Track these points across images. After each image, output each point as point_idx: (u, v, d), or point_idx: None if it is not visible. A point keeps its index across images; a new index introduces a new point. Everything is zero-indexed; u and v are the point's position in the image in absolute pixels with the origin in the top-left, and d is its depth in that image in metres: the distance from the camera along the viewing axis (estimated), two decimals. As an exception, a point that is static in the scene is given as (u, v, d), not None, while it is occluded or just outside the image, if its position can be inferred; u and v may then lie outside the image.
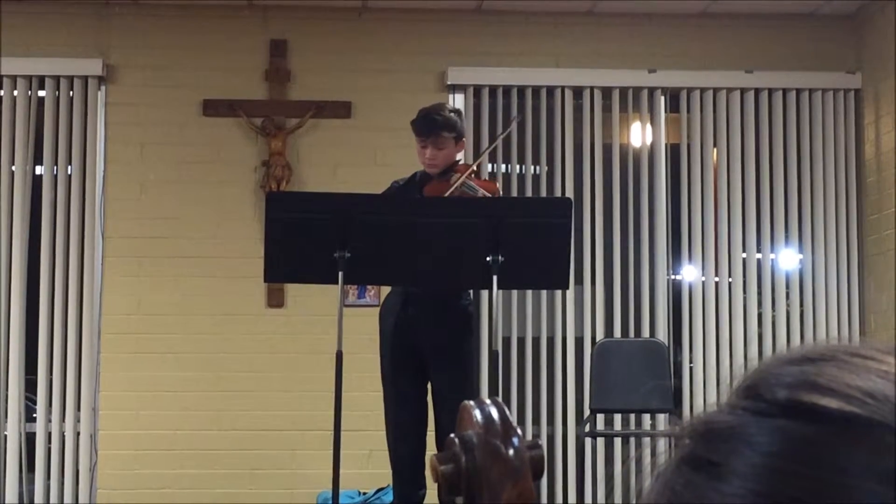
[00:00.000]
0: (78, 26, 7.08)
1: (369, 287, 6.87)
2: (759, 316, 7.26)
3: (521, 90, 7.26)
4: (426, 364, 5.12)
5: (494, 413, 0.92)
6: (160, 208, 7.00)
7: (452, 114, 5.22)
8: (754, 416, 0.62)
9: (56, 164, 7.04)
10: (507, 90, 7.25)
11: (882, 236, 7.01)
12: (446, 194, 4.95)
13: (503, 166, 7.27)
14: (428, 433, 5.15)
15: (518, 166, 7.27)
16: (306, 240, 4.68)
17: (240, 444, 6.85)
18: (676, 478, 0.63)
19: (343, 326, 4.70)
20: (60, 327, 6.92)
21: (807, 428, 0.59)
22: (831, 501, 0.57)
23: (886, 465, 0.57)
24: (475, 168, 5.35)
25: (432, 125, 5.09)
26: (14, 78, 7.02)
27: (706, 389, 7.10)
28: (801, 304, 7.28)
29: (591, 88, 7.28)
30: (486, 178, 6.20)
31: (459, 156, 5.26)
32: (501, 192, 5.14)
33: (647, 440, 6.50)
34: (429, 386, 5.17)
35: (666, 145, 7.36)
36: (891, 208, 6.91)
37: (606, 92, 7.31)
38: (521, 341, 7.15)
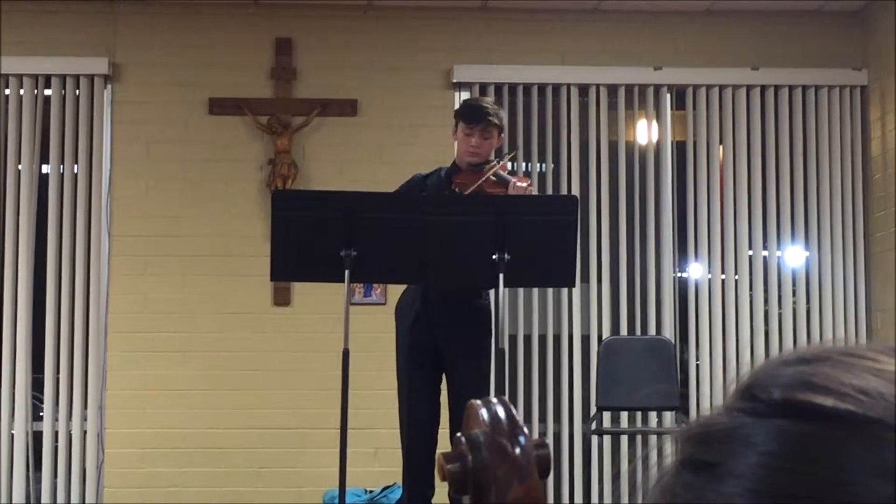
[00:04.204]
0: (84, 25, 7.08)
1: (375, 285, 6.88)
2: (766, 313, 7.25)
3: (527, 88, 7.26)
4: (443, 362, 5.11)
5: (501, 412, 0.92)
6: (166, 207, 7.01)
7: (497, 107, 5.29)
8: (751, 416, 0.62)
9: (62, 162, 7.05)
10: (512, 88, 7.25)
11: (888, 233, 6.99)
12: (481, 181, 4.96)
13: (509, 164, 7.26)
14: (441, 432, 5.14)
15: (524, 164, 7.27)
16: (312, 238, 4.68)
17: (246, 442, 6.86)
18: (676, 481, 0.63)
19: (349, 324, 4.70)
20: (67, 326, 6.93)
21: (803, 426, 0.60)
22: (830, 498, 0.57)
23: (883, 460, 0.57)
24: (506, 163, 5.37)
25: (483, 113, 5.11)
26: (20, 77, 7.03)
27: (713, 387, 7.09)
28: (808, 302, 7.27)
29: (597, 86, 7.27)
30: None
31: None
32: (536, 190, 5.11)
33: (653, 438, 6.50)
34: (443, 385, 5.17)
35: (672, 142, 7.36)
36: (897, 205, 6.90)
37: (612, 89, 7.31)
38: (528, 339, 7.15)
